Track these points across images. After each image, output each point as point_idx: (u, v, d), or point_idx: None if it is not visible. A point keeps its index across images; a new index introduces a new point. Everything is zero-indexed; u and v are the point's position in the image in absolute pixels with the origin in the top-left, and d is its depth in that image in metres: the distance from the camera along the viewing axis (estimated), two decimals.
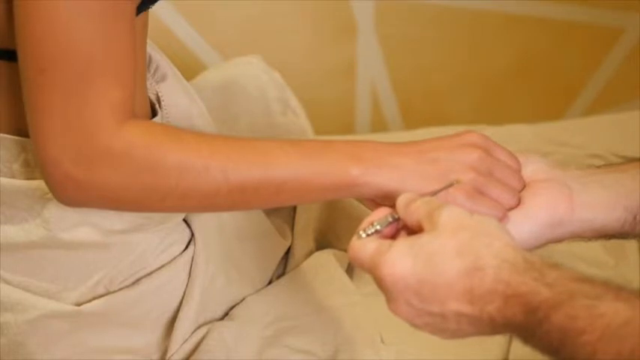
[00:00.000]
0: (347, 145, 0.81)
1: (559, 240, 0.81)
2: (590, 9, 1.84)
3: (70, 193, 0.79)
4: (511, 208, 0.80)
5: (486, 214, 0.78)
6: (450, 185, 0.78)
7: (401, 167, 0.79)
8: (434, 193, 0.77)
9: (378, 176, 0.79)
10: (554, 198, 0.79)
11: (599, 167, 0.85)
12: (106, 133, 0.76)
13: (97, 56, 0.76)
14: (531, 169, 0.83)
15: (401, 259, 0.68)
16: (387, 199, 0.79)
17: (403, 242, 0.70)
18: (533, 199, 0.80)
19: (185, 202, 0.80)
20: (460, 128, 1.33)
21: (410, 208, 0.73)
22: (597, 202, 0.80)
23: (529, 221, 0.79)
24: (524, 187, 0.82)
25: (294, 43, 1.82)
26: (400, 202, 0.75)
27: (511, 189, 0.80)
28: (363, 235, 0.74)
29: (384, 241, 0.72)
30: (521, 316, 0.64)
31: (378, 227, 0.74)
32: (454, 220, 0.69)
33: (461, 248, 0.67)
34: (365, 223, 0.75)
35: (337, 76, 1.85)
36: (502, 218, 0.79)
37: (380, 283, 0.70)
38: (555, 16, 1.84)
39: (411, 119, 1.88)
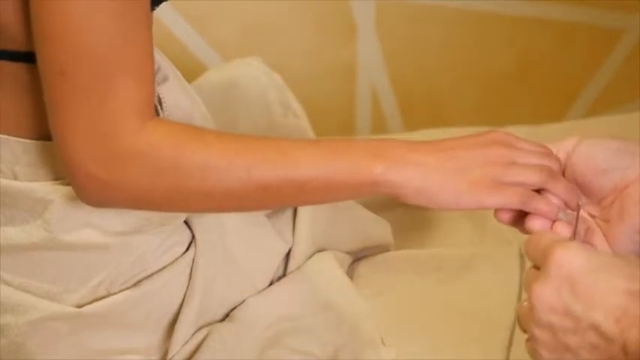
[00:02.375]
0: (368, 144, 0.81)
1: None
2: (590, 10, 1.84)
3: (93, 193, 0.79)
4: (537, 185, 0.79)
5: (516, 204, 0.78)
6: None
7: (422, 165, 0.79)
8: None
9: (400, 174, 0.79)
10: None
11: None
12: (127, 134, 0.77)
13: (116, 56, 0.76)
14: (620, 174, 0.79)
15: (578, 252, 0.67)
16: (408, 198, 0.80)
17: (586, 245, 0.70)
18: (631, 207, 0.78)
19: (209, 201, 0.80)
20: (461, 129, 1.33)
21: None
22: None
23: (626, 230, 0.78)
24: (560, 166, 0.81)
25: (294, 44, 1.82)
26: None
27: (535, 167, 0.79)
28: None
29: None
30: None
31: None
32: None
33: (634, 274, 0.65)
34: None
35: (337, 76, 1.85)
36: (528, 200, 0.79)
37: (545, 261, 0.68)
38: (556, 17, 1.84)
39: (411, 120, 1.88)
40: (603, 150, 0.80)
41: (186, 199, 0.80)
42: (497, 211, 0.80)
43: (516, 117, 1.62)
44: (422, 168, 0.79)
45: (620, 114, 1.63)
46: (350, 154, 0.80)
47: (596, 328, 0.64)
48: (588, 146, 0.81)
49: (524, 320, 0.69)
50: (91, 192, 0.79)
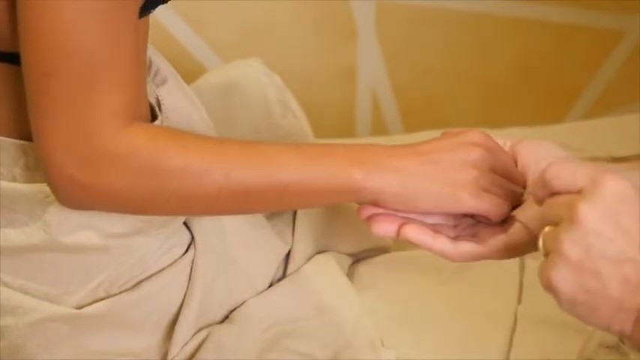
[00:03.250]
0: (348, 149, 0.81)
1: None
2: (590, 11, 1.84)
3: (72, 195, 0.79)
4: (515, 206, 0.80)
5: (491, 212, 0.78)
6: None
7: (402, 170, 0.79)
8: None
9: (380, 180, 0.78)
10: None
11: (623, 161, 0.83)
12: (109, 137, 0.76)
13: (102, 59, 0.76)
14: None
15: (628, 182, 0.64)
16: (387, 203, 0.79)
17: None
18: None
19: (189, 205, 0.80)
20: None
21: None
22: None
23: None
24: (525, 185, 0.81)
25: (294, 45, 1.82)
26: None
27: (514, 186, 0.80)
28: None
29: None
30: None
31: None
32: None
33: None
34: None
35: (338, 78, 1.85)
36: (506, 216, 0.79)
37: (594, 186, 0.65)
38: (556, 18, 1.84)
39: (412, 122, 1.88)
40: (545, 144, 0.82)
41: (166, 202, 0.79)
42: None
43: (517, 119, 1.62)
44: (401, 173, 0.78)
45: (621, 115, 1.63)
46: (330, 160, 0.79)
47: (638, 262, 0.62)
48: (533, 141, 0.83)
49: (551, 236, 0.66)
50: (70, 194, 0.79)
